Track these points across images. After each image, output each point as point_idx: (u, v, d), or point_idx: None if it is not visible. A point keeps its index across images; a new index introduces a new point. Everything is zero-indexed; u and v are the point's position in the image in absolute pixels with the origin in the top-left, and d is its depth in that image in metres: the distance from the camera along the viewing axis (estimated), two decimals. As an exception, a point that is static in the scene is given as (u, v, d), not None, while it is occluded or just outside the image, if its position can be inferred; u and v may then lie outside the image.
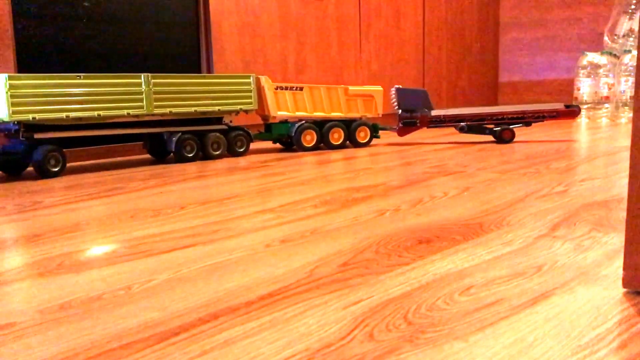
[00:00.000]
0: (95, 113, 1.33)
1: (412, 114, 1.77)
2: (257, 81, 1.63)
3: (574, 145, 1.59)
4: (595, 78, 2.59)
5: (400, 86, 1.79)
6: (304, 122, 1.67)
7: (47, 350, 0.39)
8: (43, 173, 1.26)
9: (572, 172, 1.10)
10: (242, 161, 1.47)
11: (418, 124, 1.77)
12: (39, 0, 1.47)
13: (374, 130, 1.79)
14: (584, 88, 2.61)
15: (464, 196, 0.90)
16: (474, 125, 1.75)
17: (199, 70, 1.80)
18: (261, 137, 1.70)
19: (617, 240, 0.62)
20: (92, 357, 0.38)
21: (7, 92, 1.20)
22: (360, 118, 1.76)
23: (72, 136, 1.35)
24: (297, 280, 0.52)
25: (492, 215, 0.76)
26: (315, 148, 1.69)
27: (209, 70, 1.81)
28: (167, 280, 0.53)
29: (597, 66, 2.58)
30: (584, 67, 2.61)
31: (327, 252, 0.61)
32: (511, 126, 1.73)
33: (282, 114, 1.66)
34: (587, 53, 2.63)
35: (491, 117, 1.74)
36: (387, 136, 1.96)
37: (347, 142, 1.75)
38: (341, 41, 2.20)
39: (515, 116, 1.74)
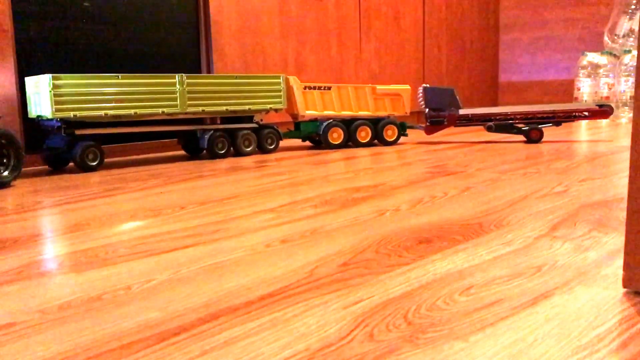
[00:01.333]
0: (132, 111, 1.40)
1: (439, 112, 1.77)
2: (286, 81, 1.67)
3: (574, 145, 1.59)
4: (595, 78, 2.59)
5: (428, 85, 1.79)
6: (331, 120, 1.71)
7: (47, 350, 0.39)
8: (82, 167, 1.35)
9: (572, 172, 1.10)
10: (242, 161, 1.47)
11: (445, 123, 1.77)
12: (39, 0, 1.46)
13: (402, 129, 1.81)
14: (584, 88, 2.61)
15: (464, 196, 0.90)
16: (502, 124, 1.73)
17: (198, 71, 1.80)
18: (290, 135, 1.74)
19: (617, 240, 0.62)
20: (92, 357, 0.38)
21: (50, 91, 1.28)
22: (388, 116, 1.79)
23: (110, 133, 1.43)
24: (297, 280, 0.52)
25: (492, 215, 0.76)
26: (342, 146, 1.73)
27: (209, 70, 1.81)
28: (167, 280, 0.53)
29: (597, 66, 2.59)
30: (584, 67, 2.61)
31: (327, 252, 0.61)
32: (540, 126, 1.70)
33: (310, 112, 1.70)
34: (587, 53, 2.63)
35: (520, 116, 1.71)
36: (416, 135, 1.96)
37: (375, 140, 1.77)
38: (341, 41, 2.20)
39: (545, 116, 1.70)
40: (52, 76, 1.29)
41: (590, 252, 0.58)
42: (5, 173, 1.15)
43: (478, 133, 2.09)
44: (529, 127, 1.69)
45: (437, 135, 2.04)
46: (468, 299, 0.46)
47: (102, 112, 1.36)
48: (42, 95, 1.32)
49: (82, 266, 0.59)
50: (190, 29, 1.78)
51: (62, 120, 1.33)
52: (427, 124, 1.80)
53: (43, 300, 0.49)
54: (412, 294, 0.48)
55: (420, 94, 1.78)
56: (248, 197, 0.95)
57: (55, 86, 1.29)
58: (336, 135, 1.71)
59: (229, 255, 0.61)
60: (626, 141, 1.67)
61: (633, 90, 2.17)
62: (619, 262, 0.54)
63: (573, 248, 0.60)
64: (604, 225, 0.69)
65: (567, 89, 2.93)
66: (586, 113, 1.70)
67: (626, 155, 1.34)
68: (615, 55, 2.59)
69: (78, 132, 1.36)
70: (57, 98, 1.29)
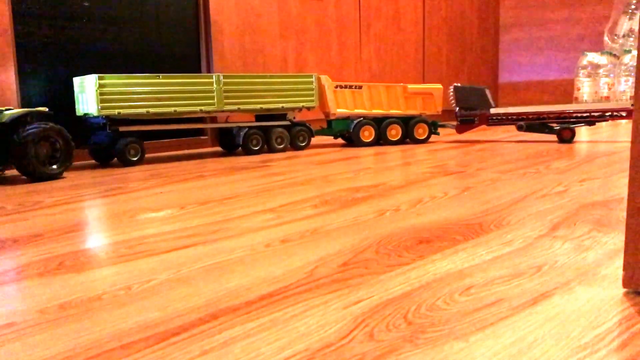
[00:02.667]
0: (172, 109, 1.48)
1: (470, 111, 1.77)
2: (318, 80, 1.72)
3: (574, 145, 1.59)
4: (595, 78, 2.59)
5: (459, 84, 1.79)
6: (362, 118, 1.74)
7: (47, 350, 0.39)
8: (124, 162, 1.43)
9: (572, 172, 1.10)
10: (242, 161, 1.47)
11: (476, 122, 1.77)
12: (39, 0, 1.46)
13: (434, 127, 1.81)
14: (584, 88, 2.61)
15: (464, 196, 0.90)
16: (533, 124, 1.71)
17: (198, 70, 1.80)
18: (322, 133, 1.78)
19: (617, 240, 0.62)
20: (92, 357, 0.38)
21: (96, 91, 1.36)
22: (420, 115, 1.80)
23: (152, 130, 1.52)
24: (297, 280, 0.52)
25: (492, 215, 0.76)
26: (373, 144, 1.76)
27: (209, 70, 1.81)
28: (167, 280, 0.53)
29: (597, 66, 2.58)
30: (584, 67, 2.61)
31: (327, 252, 0.61)
32: (572, 125, 1.67)
33: (341, 111, 1.74)
34: (587, 53, 2.63)
35: (553, 115, 1.69)
36: (448, 134, 1.94)
37: (406, 138, 1.79)
38: (341, 41, 2.20)
39: (578, 115, 1.67)
40: (98, 76, 1.37)
41: (590, 252, 0.58)
42: (54, 167, 1.24)
43: (512, 131, 2.08)
44: (560, 126, 1.67)
45: (469, 134, 2.03)
46: (468, 299, 0.46)
47: (144, 110, 1.44)
48: (87, 94, 1.40)
49: (82, 266, 0.59)
50: (190, 29, 1.78)
51: (106, 117, 1.40)
52: (458, 123, 1.80)
53: (43, 300, 0.49)
54: (412, 294, 0.48)
55: (451, 93, 1.78)
56: (248, 197, 0.95)
57: (100, 85, 1.37)
58: (367, 134, 1.75)
59: (229, 255, 0.61)
60: (626, 141, 1.67)
61: (633, 90, 2.17)
62: (619, 262, 0.54)
63: (573, 248, 0.60)
64: (604, 225, 0.69)
65: (567, 89, 2.93)
66: (623, 113, 1.65)
67: (626, 155, 1.34)
68: (615, 55, 2.59)
69: (122, 128, 1.44)
70: (103, 97, 1.37)
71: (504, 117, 1.74)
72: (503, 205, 0.82)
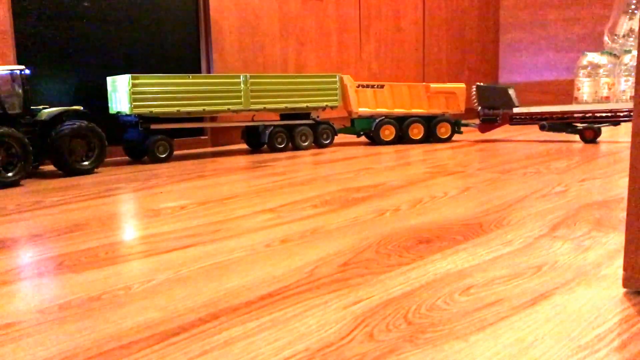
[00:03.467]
0: (201, 108, 1.52)
1: (493, 110, 1.76)
2: (341, 80, 1.75)
3: (574, 145, 1.59)
4: (595, 78, 2.59)
5: (482, 83, 1.79)
6: (383, 117, 1.76)
7: (47, 350, 0.39)
8: (153, 158, 1.48)
9: (572, 172, 1.10)
10: (242, 161, 1.47)
11: (499, 121, 1.76)
12: (39, 0, 1.46)
13: (457, 126, 1.82)
14: (584, 88, 2.61)
15: (464, 196, 0.90)
16: (556, 123, 1.68)
17: (198, 70, 1.80)
18: (345, 131, 1.80)
19: (617, 240, 0.62)
20: (92, 357, 0.38)
21: (129, 90, 1.41)
22: (443, 114, 1.80)
23: (183, 128, 1.61)
24: (297, 280, 0.52)
25: (492, 215, 0.76)
26: (394, 142, 1.78)
27: (209, 70, 1.81)
28: (167, 280, 0.53)
29: (597, 66, 2.58)
30: (584, 67, 2.61)
31: (327, 252, 0.61)
32: (597, 125, 1.64)
33: (363, 110, 1.76)
34: (587, 53, 2.63)
35: (578, 115, 1.65)
36: (472, 133, 1.92)
37: (429, 137, 1.79)
38: (341, 41, 2.20)
39: (603, 114, 1.63)
40: (131, 76, 1.41)
41: (590, 252, 0.58)
42: (87, 162, 1.31)
43: (536, 131, 2.08)
44: (583, 126, 1.64)
45: (493, 133, 2.03)
46: (468, 299, 0.46)
47: (175, 109, 1.48)
48: (119, 93, 1.46)
49: (82, 266, 0.59)
50: (190, 29, 1.78)
51: (138, 115, 1.45)
52: (480, 122, 1.80)
53: (43, 300, 0.49)
54: (412, 294, 0.48)
55: (474, 92, 1.78)
56: (248, 197, 0.95)
57: (133, 85, 1.41)
58: (388, 132, 1.77)
59: (229, 255, 0.61)
60: (626, 141, 1.67)
61: (633, 90, 2.17)
62: (619, 262, 0.54)
63: (573, 248, 0.60)
64: (604, 225, 0.69)
65: (567, 89, 2.93)
66: None
67: (626, 155, 1.34)
68: (615, 55, 2.59)
69: (154, 126, 1.49)
70: (135, 96, 1.42)
71: (527, 117, 1.72)
72: (503, 205, 0.82)
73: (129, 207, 0.90)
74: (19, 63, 1.44)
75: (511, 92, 1.77)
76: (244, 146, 1.85)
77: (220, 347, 0.39)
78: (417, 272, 0.53)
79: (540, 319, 0.42)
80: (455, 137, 1.93)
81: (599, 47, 2.80)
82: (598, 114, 1.64)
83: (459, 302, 0.45)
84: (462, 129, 1.93)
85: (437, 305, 0.45)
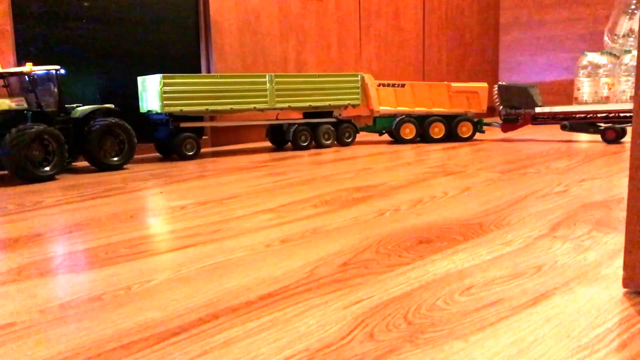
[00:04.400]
0: (229, 107, 1.57)
1: (515, 110, 1.75)
2: (362, 79, 1.77)
3: (574, 145, 1.59)
4: (595, 78, 2.59)
5: (504, 82, 1.79)
6: (404, 116, 1.78)
7: (47, 350, 0.39)
8: (181, 156, 1.52)
9: (572, 172, 1.10)
10: (242, 161, 1.47)
11: (520, 121, 1.75)
12: (39, 0, 1.46)
13: (479, 126, 1.82)
14: (584, 88, 2.61)
15: (464, 196, 0.90)
16: (578, 123, 1.66)
17: (199, 70, 1.80)
18: (367, 130, 1.83)
19: (617, 240, 0.62)
20: (92, 357, 0.38)
21: (160, 89, 1.46)
22: (465, 113, 1.81)
23: (211, 126, 1.68)
24: (297, 280, 0.52)
25: (492, 215, 0.76)
26: (414, 141, 1.79)
27: (209, 70, 1.81)
28: (167, 280, 0.53)
29: (597, 66, 2.58)
30: (584, 67, 2.61)
31: (327, 252, 0.61)
32: (621, 125, 1.60)
33: (384, 108, 1.78)
34: (587, 53, 2.63)
35: (601, 115, 1.62)
36: (493, 132, 1.93)
37: (450, 136, 1.80)
38: (341, 41, 2.20)
39: (628, 115, 1.58)
40: (162, 76, 1.46)
41: (590, 252, 0.58)
42: (116, 158, 1.36)
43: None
44: (605, 126, 1.61)
45: (515, 132, 2.02)
46: (468, 299, 0.46)
47: (204, 108, 1.53)
48: (150, 92, 1.50)
49: (82, 266, 0.59)
50: (190, 29, 1.78)
51: (169, 114, 1.50)
52: (502, 121, 1.79)
53: (43, 300, 0.49)
54: (412, 294, 0.48)
55: (496, 92, 1.77)
56: (248, 197, 0.95)
57: (164, 84, 1.46)
58: (408, 131, 1.78)
59: (229, 255, 0.61)
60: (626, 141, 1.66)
61: (633, 90, 2.16)
62: (619, 262, 0.54)
63: (573, 248, 0.60)
64: (604, 225, 0.69)
65: (567, 89, 2.93)
66: None
67: (626, 155, 1.34)
68: (615, 55, 2.59)
69: (183, 124, 1.54)
70: (166, 95, 1.47)
71: (549, 117, 1.71)
72: (503, 205, 0.82)
73: (130, 207, 0.90)
74: (19, 63, 1.43)
75: (533, 91, 1.76)
76: (244, 146, 1.85)
77: (220, 347, 0.39)
78: (417, 272, 0.53)
79: (540, 319, 0.42)
80: (478, 135, 1.93)
81: (599, 47, 2.80)
82: (622, 114, 1.60)
83: (459, 302, 0.45)
84: (484, 128, 1.92)
85: (437, 305, 0.45)
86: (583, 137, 1.83)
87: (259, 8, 1.91)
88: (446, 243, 0.63)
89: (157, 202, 0.93)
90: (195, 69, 1.80)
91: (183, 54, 1.77)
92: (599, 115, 1.63)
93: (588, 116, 1.65)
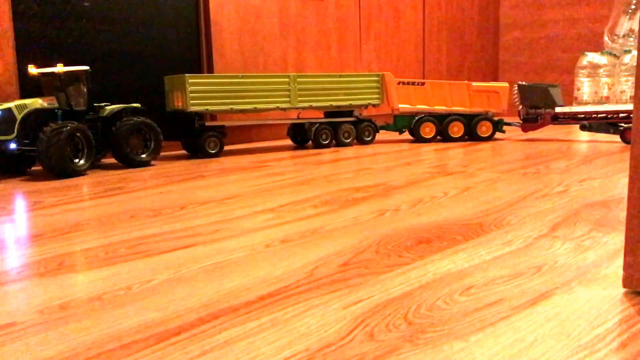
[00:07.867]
0: (253, 106, 1.61)
1: (535, 110, 1.74)
2: (382, 77, 1.80)
3: (574, 145, 1.59)
4: (595, 78, 2.59)
5: (524, 82, 1.78)
6: (423, 115, 1.79)
7: (47, 350, 0.39)
8: (204, 154, 1.56)
9: (572, 172, 1.10)
10: (242, 161, 1.47)
11: (540, 120, 1.75)
12: (39, 0, 1.46)
13: (499, 125, 1.83)
14: (584, 88, 2.61)
15: (464, 196, 0.90)
16: (598, 123, 1.64)
17: (199, 70, 1.80)
18: (386, 128, 1.84)
19: (617, 240, 0.62)
20: (92, 357, 0.38)
21: (187, 89, 1.50)
22: (486, 113, 1.81)
23: (236, 125, 1.74)
24: (297, 280, 0.52)
25: (492, 215, 0.76)
26: (433, 139, 1.80)
27: (209, 70, 1.81)
28: (167, 280, 0.53)
29: (597, 66, 2.58)
30: (584, 67, 2.61)
31: (327, 252, 0.61)
32: None
33: (403, 107, 1.79)
34: (587, 53, 2.63)
35: (622, 115, 1.59)
36: (513, 132, 1.91)
37: (470, 136, 1.80)
38: (341, 41, 2.20)
39: None
40: (188, 75, 1.49)
41: (590, 252, 0.58)
42: (144, 155, 1.40)
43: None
44: (625, 127, 1.60)
45: (535, 132, 2.01)
46: (468, 299, 0.46)
47: (229, 107, 1.57)
48: (177, 92, 1.55)
49: (82, 266, 0.59)
50: (190, 29, 1.78)
51: (195, 113, 1.54)
52: (521, 121, 1.79)
53: (43, 300, 0.49)
54: (412, 294, 0.48)
55: (515, 92, 1.77)
56: (248, 197, 0.95)
57: (190, 84, 1.50)
58: (428, 130, 1.79)
59: (229, 255, 0.61)
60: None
61: (633, 90, 2.16)
62: (619, 262, 0.54)
63: (573, 248, 0.60)
64: (604, 225, 0.69)
65: (567, 89, 2.93)
66: None
67: (626, 155, 1.34)
68: (615, 55, 2.59)
69: (209, 123, 1.58)
70: (192, 94, 1.51)
71: (570, 116, 1.70)
72: (503, 205, 0.82)
73: (129, 207, 0.90)
74: (19, 63, 1.44)
75: (554, 91, 1.75)
76: (245, 146, 1.85)
77: (220, 347, 0.39)
78: (417, 272, 0.53)
79: (540, 319, 0.42)
80: (498, 135, 1.93)
81: (599, 47, 2.80)
82: None
83: (459, 302, 0.45)
84: (504, 127, 1.92)
85: (437, 305, 0.45)
86: (583, 137, 1.83)
87: (259, 8, 1.91)
88: (446, 243, 0.63)
89: (156, 202, 0.93)
90: (195, 69, 1.79)
91: (183, 54, 1.77)
92: (620, 115, 1.61)
93: (609, 116, 1.63)
